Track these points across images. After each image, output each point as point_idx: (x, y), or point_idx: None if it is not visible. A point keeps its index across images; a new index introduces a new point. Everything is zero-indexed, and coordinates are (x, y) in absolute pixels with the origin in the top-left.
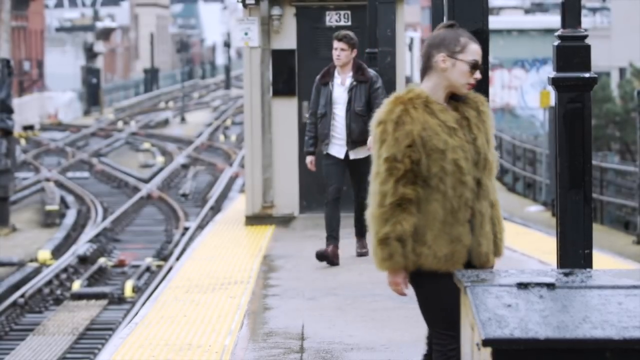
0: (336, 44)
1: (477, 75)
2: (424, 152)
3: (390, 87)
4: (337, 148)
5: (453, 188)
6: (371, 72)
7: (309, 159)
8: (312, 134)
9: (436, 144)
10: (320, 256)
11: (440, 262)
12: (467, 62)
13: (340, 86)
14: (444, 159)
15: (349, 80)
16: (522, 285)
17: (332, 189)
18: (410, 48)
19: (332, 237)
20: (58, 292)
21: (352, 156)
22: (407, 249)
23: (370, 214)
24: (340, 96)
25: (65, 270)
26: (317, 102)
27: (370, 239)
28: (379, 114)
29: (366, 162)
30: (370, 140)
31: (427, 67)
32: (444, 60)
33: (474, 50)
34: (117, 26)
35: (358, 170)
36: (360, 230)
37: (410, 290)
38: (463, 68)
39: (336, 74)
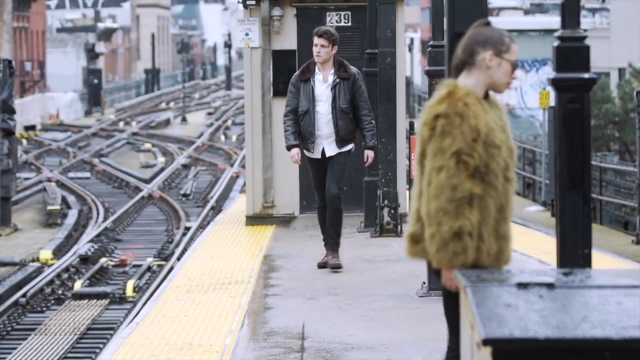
0: (316, 40)
1: (516, 75)
2: (484, 147)
3: (390, 87)
4: (315, 147)
5: (502, 185)
6: (353, 69)
7: (295, 151)
8: (293, 129)
9: (493, 139)
10: (322, 266)
11: (491, 259)
12: (511, 62)
13: (323, 83)
14: (499, 155)
15: (331, 77)
16: (522, 285)
17: (321, 194)
18: (410, 49)
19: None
20: (59, 291)
21: (329, 153)
22: (474, 244)
23: (437, 208)
24: (322, 93)
25: (66, 270)
26: (296, 99)
27: (434, 233)
28: (436, 108)
29: (343, 154)
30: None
31: (466, 64)
32: (491, 59)
33: (516, 51)
34: (118, 27)
35: (334, 161)
36: (333, 238)
37: (411, 291)
38: (507, 68)
39: (317, 70)
